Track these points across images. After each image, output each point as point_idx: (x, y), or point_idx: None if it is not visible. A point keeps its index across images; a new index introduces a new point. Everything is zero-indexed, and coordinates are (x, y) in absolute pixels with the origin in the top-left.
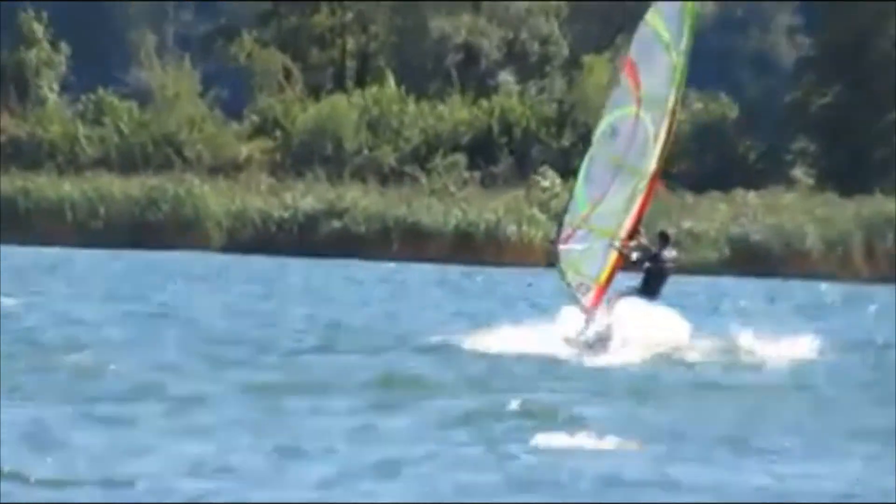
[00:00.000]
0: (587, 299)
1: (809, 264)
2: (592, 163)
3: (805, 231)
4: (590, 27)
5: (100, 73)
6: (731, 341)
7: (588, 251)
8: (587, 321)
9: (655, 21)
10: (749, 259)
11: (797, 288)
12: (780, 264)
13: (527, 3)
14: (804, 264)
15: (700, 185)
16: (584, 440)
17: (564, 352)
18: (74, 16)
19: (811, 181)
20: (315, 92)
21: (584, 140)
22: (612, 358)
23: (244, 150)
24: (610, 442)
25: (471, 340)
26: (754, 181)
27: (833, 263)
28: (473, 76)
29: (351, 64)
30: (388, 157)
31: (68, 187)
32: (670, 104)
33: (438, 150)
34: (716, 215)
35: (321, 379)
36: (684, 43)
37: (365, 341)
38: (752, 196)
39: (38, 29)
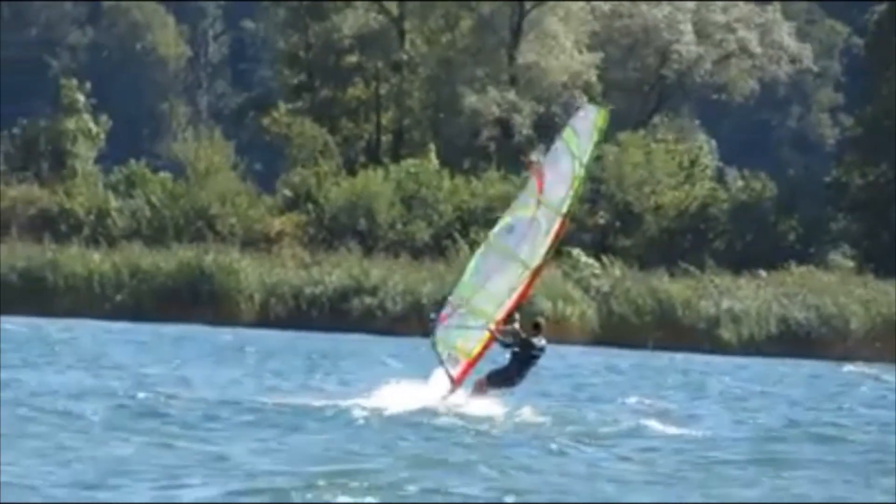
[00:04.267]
0: (455, 371)
1: (852, 347)
2: (485, 255)
3: (848, 313)
4: (626, 105)
5: (133, 144)
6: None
7: (463, 328)
8: (451, 390)
9: (570, 137)
10: (790, 340)
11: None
12: (821, 346)
13: (562, 77)
14: (846, 347)
15: (738, 264)
16: None
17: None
18: (108, 86)
19: (850, 263)
20: (348, 166)
21: (620, 217)
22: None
23: (276, 223)
24: None
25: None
26: (794, 260)
27: (873, 347)
28: (507, 151)
29: (385, 138)
30: (422, 232)
31: (98, 259)
32: (564, 208)
33: (472, 225)
34: (758, 294)
35: None
36: (587, 156)
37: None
38: (793, 275)
39: (80, 99)
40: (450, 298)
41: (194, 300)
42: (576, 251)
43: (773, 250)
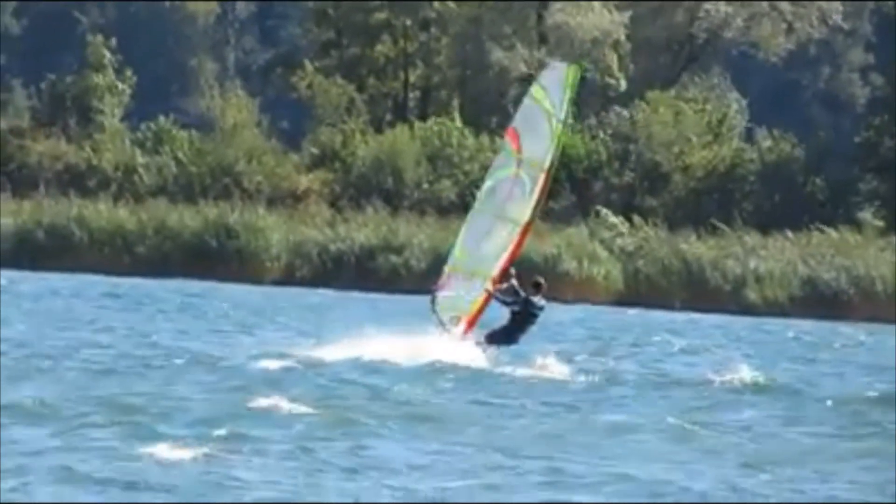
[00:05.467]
0: (459, 330)
1: (878, 308)
2: (474, 219)
3: (875, 274)
4: (655, 64)
5: (160, 100)
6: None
7: (462, 292)
8: (458, 339)
9: (539, 95)
10: (817, 301)
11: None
12: (848, 308)
13: (591, 35)
14: (872, 308)
15: (766, 225)
16: None
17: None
18: (135, 42)
19: (880, 223)
20: (375, 124)
21: (648, 177)
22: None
23: (303, 181)
24: None
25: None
26: (822, 221)
27: None
28: None
29: (412, 96)
30: (449, 190)
31: (124, 215)
32: (546, 164)
33: None
34: (784, 255)
35: None
36: (563, 112)
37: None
38: (820, 236)
39: (106, 54)
40: (445, 268)
41: (220, 257)
42: (603, 211)
43: (801, 211)
